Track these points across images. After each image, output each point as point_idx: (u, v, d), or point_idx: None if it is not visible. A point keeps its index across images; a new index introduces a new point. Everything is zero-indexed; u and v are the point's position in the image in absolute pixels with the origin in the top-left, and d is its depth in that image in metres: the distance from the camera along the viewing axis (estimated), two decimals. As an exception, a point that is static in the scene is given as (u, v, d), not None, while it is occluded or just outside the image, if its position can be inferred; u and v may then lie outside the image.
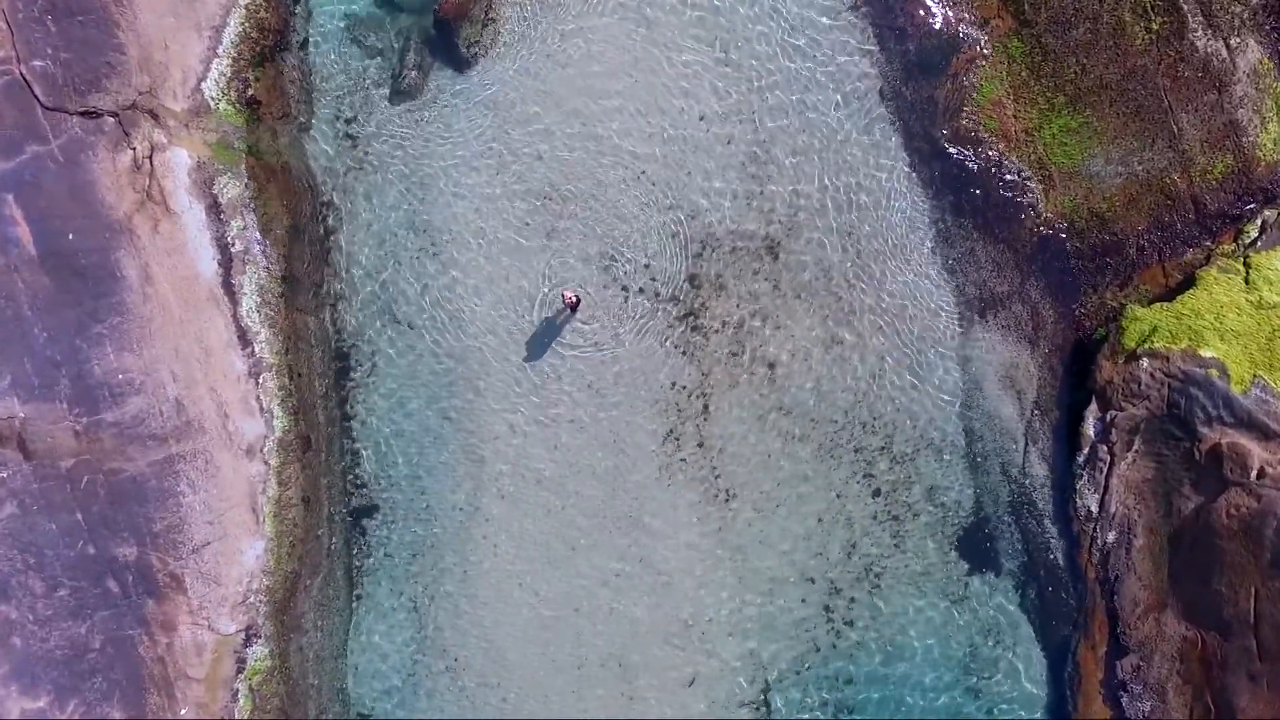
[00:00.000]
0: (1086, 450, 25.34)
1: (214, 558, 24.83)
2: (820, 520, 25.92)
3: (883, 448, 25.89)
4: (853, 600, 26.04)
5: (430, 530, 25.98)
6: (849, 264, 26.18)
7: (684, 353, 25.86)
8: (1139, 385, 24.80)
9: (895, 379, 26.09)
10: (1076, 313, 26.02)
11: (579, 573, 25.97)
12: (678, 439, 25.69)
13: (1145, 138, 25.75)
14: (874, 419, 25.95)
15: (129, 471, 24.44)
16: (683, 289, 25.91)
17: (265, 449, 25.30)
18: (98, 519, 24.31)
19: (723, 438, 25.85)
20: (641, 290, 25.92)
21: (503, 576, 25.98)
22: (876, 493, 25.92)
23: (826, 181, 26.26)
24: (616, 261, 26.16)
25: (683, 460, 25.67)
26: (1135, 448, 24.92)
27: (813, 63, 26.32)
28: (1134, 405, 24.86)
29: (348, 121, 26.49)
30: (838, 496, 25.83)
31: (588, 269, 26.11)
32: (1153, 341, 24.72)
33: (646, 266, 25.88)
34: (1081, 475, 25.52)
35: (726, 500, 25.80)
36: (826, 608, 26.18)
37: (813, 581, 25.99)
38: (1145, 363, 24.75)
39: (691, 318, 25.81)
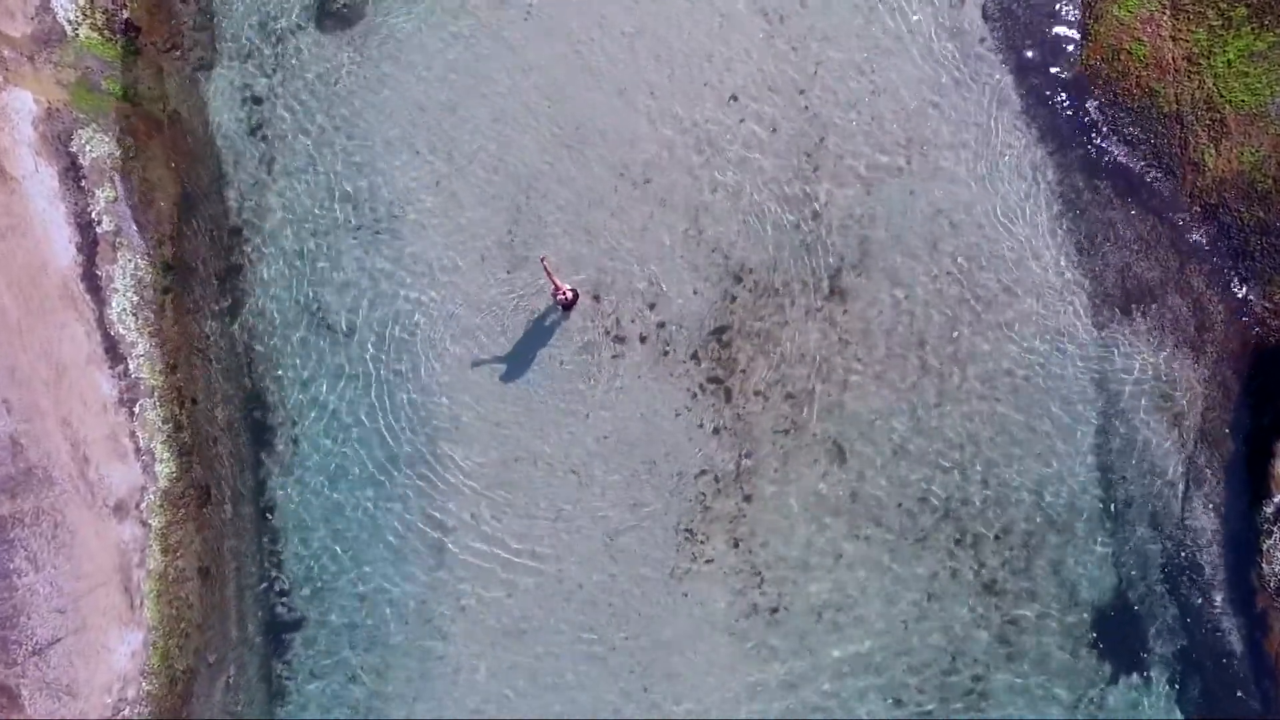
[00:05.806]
0: (1279, 498, 21.91)
1: (66, 659, 21.40)
2: (905, 625, 22.54)
3: (999, 536, 22.55)
4: (951, 725, 22.84)
5: (373, 651, 22.87)
6: (945, 272, 22.82)
7: (714, 430, 22.80)
8: (1361, 409, 21.22)
9: (1011, 431, 22.68)
10: (1257, 308, 22.72)
11: (575, 704, 22.55)
12: (703, 540, 22.76)
13: (1366, 62, 22.39)
14: (982, 498, 22.59)
15: (-60, 542, 20.78)
16: (706, 341, 22.94)
17: (143, 505, 22.08)
18: (-108, 611, 20.67)
19: (768, 534, 22.83)
20: (643, 339, 22.94)
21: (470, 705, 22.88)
22: (988, 587, 22.60)
23: (907, 132, 22.81)
24: (605, 297, 23.03)
25: (709, 562, 22.72)
26: (1354, 496, 21.41)
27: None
28: (1353, 436, 21.28)
29: (258, 58, 23.78)
30: (929, 598, 22.62)
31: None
32: (1382, 348, 21.24)
33: (652, 306, 22.91)
34: (1272, 532, 22.13)
35: (772, 612, 22.66)
36: (914, 732, 22.89)
37: (899, 702, 22.39)
38: (1370, 378, 21.29)
39: (717, 383, 22.92)
